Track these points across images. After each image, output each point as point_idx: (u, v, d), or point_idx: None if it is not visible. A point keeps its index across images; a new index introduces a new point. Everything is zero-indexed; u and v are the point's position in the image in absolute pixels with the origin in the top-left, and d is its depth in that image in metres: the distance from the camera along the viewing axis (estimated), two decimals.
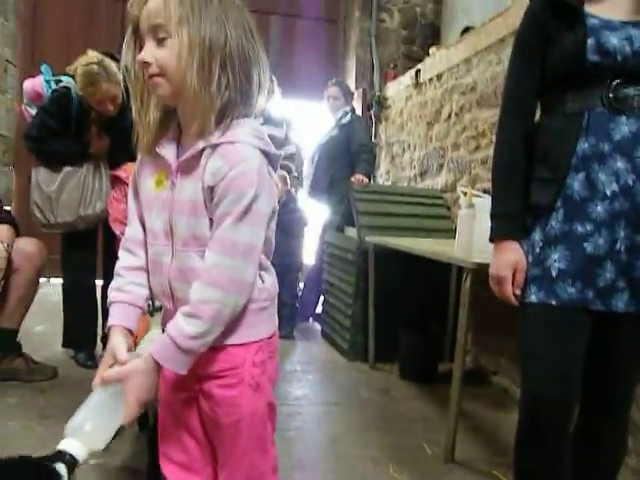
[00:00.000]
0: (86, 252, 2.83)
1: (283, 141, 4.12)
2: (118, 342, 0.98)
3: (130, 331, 1.03)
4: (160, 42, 0.91)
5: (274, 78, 4.03)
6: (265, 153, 0.97)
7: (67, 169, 2.69)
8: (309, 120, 5.32)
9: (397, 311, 3.12)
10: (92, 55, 2.59)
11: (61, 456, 0.86)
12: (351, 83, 5.17)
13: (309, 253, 4.32)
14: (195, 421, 1.08)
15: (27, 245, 2.57)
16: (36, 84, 2.75)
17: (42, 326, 3.31)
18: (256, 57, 0.96)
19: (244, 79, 0.95)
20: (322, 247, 4.03)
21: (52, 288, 3.23)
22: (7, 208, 2.87)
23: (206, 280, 0.93)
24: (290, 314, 3.80)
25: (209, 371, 1.01)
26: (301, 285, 4.20)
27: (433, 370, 2.96)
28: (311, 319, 4.29)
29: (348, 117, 4.17)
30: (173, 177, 0.98)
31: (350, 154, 4.04)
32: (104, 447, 0.93)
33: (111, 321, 1.02)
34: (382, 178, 4.88)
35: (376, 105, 4.96)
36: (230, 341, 1.00)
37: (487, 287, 1.36)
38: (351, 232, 3.50)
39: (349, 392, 2.74)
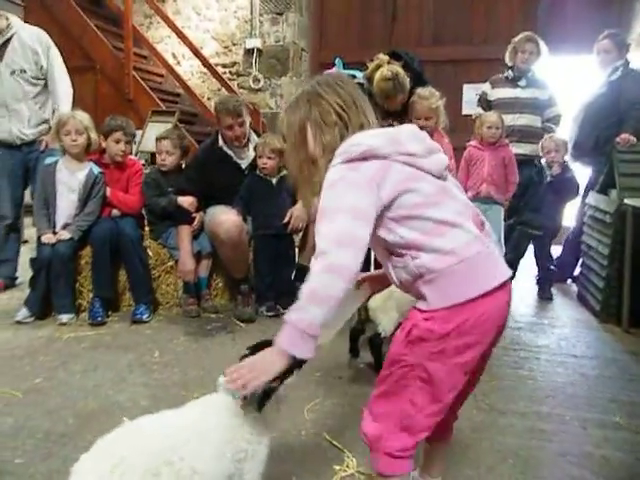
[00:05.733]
0: None
1: (547, 103, 4.15)
2: None
3: None
4: None
5: (539, 41, 4.08)
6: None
7: None
8: (578, 77, 5.10)
9: None
10: (387, 68, 2.96)
11: None
12: (636, 28, 4.73)
13: (570, 216, 4.29)
14: None
15: None
16: None
17: None
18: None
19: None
20: (583, 209, 3.99)
21: None
22: None
23: None
24: (545, 276, 3.92)
25: None
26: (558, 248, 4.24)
27: None
28: (569, 280, 4.29)
29: (618, 73, 3.94)
30: None
31: (619, 112, 3.84)
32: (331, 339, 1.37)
33: None
34: None
35: None
36: None
37: None
38: (614, 194, 3.42)
39: (593, 348, 2.83)
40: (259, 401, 1.17)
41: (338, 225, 1.12)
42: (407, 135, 1.24)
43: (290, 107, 1.33)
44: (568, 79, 5.13)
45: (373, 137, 1.21)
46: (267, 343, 1.16)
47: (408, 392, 1.20)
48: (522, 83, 4.16)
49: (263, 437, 1.23)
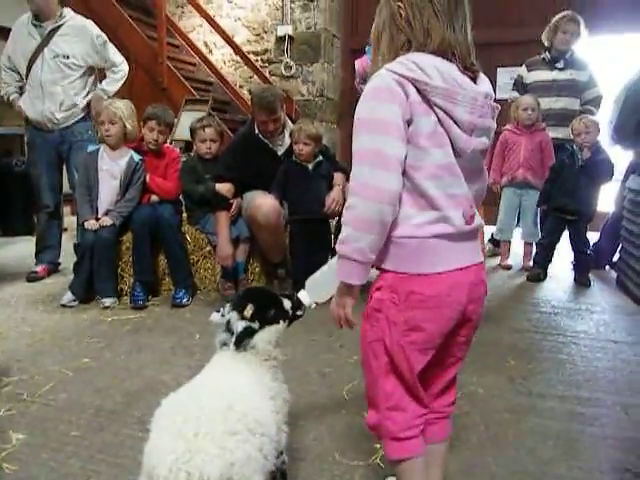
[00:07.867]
0: None
1: (586, 84, 4.07)
2: None
3: None
4: None
5: (581, 21, 3.98)
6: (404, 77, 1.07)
7: None
8: (618, 57, 4.97)
9: None
10: None
11: (291, 296, 1.42)
12: None
13: (608, 201, 4.21)
14: None
15: None
16: (364, 64, 3.38)
17: None
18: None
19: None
20: (623, 194, 3.90)
21: None
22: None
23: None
24: (582, 261, 3.87)
25: None
26: (595, 234, 4.16)
27: None
28: (607, 267, 4.22)
29: None
30: None
31: None
32: (325, 301, 1.39)
33: None
34: None
35: None
36: None
37: None
38: None
39: (634, 335, 2.78)
40: (236, 340, 1.28)
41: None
42: (465, 98, 1.08)
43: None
44: (607, 59, 5.01)
45: (436, 73, 1.07)
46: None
47: (380, 371, 1.18)
48: (560, 65, 4.08)
49: (281, 381, 1.35)
